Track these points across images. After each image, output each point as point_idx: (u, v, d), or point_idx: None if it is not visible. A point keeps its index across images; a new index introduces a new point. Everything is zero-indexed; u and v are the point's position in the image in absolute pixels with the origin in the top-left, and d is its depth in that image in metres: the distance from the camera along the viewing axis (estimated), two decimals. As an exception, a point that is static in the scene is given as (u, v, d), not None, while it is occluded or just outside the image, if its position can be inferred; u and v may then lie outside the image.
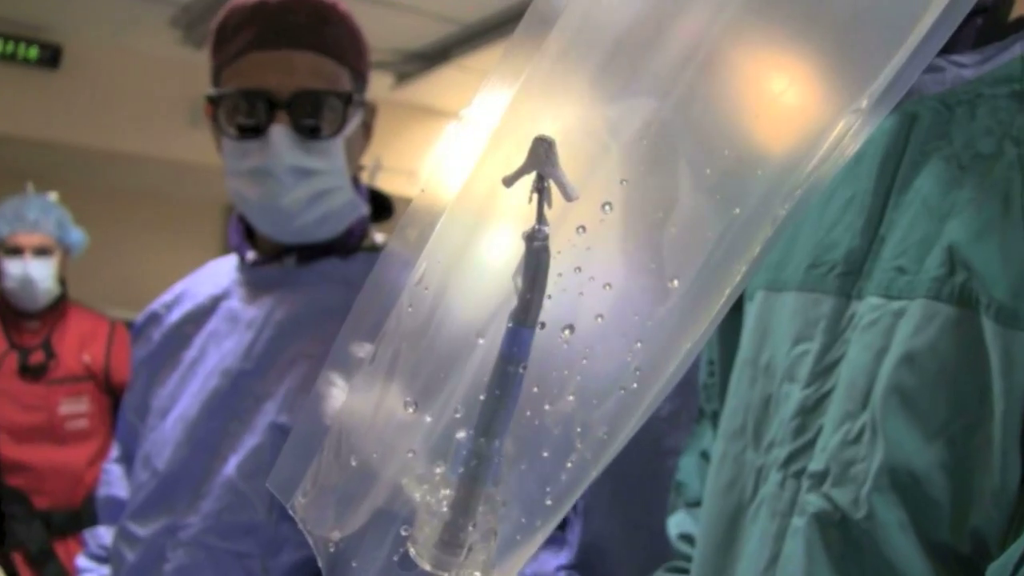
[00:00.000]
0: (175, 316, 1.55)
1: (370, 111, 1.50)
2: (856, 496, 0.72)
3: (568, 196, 0.49)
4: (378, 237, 1.54)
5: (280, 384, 1.38)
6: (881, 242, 0.76)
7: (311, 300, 1.44)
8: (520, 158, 0.49)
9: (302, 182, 1.39)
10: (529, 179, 0.49)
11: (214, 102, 1.42)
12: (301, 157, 1.38)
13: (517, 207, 0.50)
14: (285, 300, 1.45)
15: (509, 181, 0.49)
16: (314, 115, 1.39)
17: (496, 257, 0.51)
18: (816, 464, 0.76)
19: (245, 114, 1.39)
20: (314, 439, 0.54)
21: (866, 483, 0.71)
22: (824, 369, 0.77)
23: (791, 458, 0.78)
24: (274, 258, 1.48)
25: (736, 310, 0.90)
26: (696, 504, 1.00)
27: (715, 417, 0.99)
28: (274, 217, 1.42)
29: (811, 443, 0.77)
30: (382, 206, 1.56)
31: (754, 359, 0.86)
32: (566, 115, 0.50)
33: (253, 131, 1.38)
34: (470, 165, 0.52)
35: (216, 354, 1.45)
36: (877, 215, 0.77)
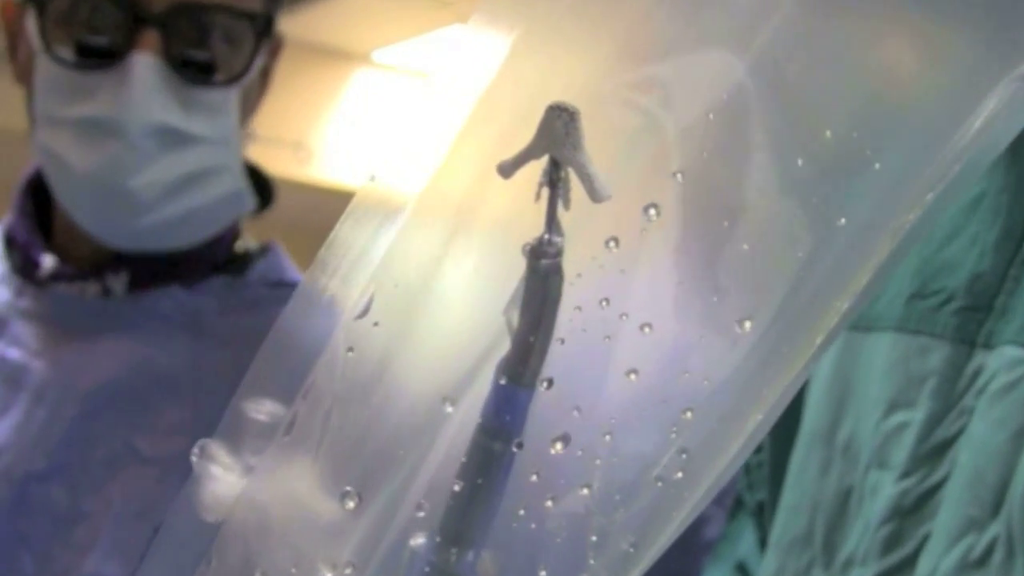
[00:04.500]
0: None
1: (275, 48, 1.00)
2: None
3: (596, 195, 0.34)
4: (250, 243, 1.04)
5: (97, 499, 0.89)
6: (1023, 265, 0.57)
7: (140, 357, 0.94)
8: (523, 136, 0.34)
9: (170, 153, 0.91)
10: (537, 167, 0.35)
11: None
12: (175, 112, 0.90)
13: (516, 208, 0.35)
14: (98, 354, 0.94)
15: (508, 169, 0.35)
16: (204, 43, 0.91)
17: (481, 280, 0.37)
18: None
19: (91, 26, 0.90)
20: (194, 542, 0.38)
21: None
22: (933, 450, 0.58)
23: None
24: (90, 273, 0.95)
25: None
26: None
27: (761, 513, 0.74)
28: (113, 204, 0.92)
29: (910, 561, 0.57)
30: (260, 192, 1.04)
31: (827, 432, 0.64)
32: (595, 74, 0.35)
33: (101, 56, 0.89)
34: (445, 145, 0.36)
35: None
36: (1019, 225, 0.58)
